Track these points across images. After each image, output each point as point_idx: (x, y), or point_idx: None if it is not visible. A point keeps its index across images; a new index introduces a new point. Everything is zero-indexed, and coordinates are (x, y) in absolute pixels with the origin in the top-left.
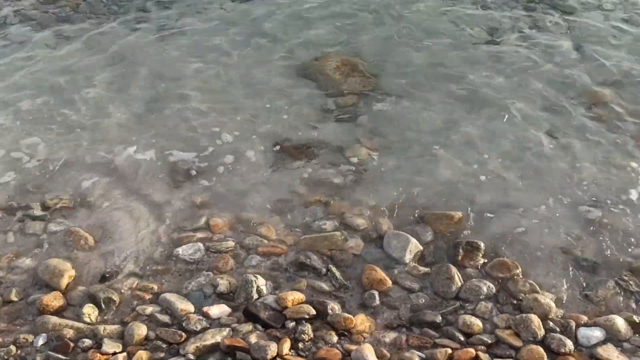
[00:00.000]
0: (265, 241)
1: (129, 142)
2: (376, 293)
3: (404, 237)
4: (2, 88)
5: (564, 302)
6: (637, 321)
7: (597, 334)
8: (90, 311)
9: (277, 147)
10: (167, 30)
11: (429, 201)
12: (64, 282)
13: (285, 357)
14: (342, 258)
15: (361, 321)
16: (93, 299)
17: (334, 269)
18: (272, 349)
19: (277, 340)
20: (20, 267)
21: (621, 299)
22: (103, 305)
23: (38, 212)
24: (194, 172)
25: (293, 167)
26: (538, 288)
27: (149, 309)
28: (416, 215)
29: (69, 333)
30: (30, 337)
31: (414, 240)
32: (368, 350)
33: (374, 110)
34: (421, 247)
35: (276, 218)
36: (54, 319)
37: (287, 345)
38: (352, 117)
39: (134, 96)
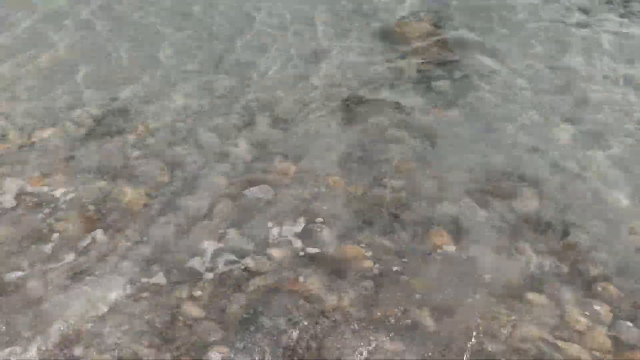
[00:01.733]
0: (324, 189)
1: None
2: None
3: None
4: None
5: None
6: None
7: None
8: None
9: (350, 103)
10: None
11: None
12: None
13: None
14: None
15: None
16: None
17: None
18: (334, 300)
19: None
20: None
21: None
22: None
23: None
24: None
25: (364, 124)
26: None
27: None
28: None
29: None
30: None
31: None
32: (423, 314)
33: (455, 77)
34: None
35: (344, 168)
36: None
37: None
38: (430, 82)
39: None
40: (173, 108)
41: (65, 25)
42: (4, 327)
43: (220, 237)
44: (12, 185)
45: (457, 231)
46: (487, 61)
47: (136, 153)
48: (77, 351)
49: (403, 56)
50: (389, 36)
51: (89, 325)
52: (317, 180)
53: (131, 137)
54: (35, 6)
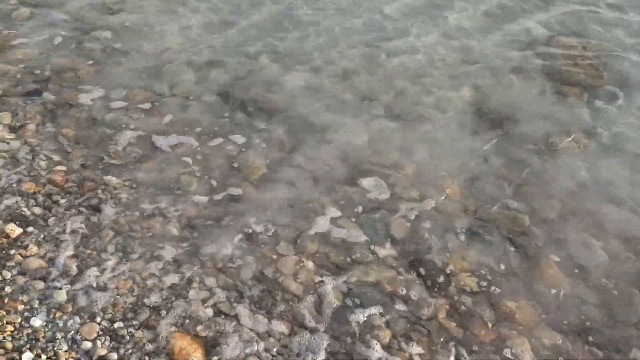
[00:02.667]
0: (447, 200)
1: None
2: (553, 291)
3: None
4: None
5: None
6: None
7: None
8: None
9: (481, 113)
10: None
11: None
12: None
13: (441, 320)
14: (523, 244)
15: (524, 311)
16: None
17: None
18: (431, 309)
19: (437, 302)
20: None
21: None
22: None
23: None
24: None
25: (492, 137)
26: None
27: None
28: None
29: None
30: None
31: None
32: (522, 346)
33: (596, 106)
34: None
35: (462, 181)
36: None
37: (444, 310)
38: (569, 106)
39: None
40: None
41: None
42: None
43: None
44: None
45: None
46: None
47: None
48: None
49: None
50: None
51: None
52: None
53: None
54: None
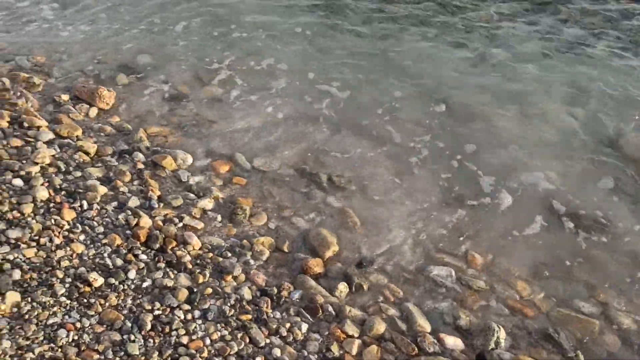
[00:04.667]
0: (517, 296)
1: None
2: None
3: None
4: None
5: None
6: None
7: None
8: (342, 289)
9: (563, 213)
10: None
11: None
12: (327, 254)
13: None
14: (593, 349)
15: None
16: (347, 279)
17: (581, 357)
18: None
19: None
20: (297, 225)
21: None
22: (353, 289)
23: (324, 182)
24: (470, 202)
25: (571, 235)
26: None
27: (391, 311)
28: None
29: (320, 299)
30: (290, 288)
31: None
32: None
33: None
34: None
35: (535, 277)
36: (312, 282)
37: None
38: None
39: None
40: None
41: None
42: None
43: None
44: None
45: None
46: None
47: None
48: None
49: None
50: None
51: None
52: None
53: None
54: None
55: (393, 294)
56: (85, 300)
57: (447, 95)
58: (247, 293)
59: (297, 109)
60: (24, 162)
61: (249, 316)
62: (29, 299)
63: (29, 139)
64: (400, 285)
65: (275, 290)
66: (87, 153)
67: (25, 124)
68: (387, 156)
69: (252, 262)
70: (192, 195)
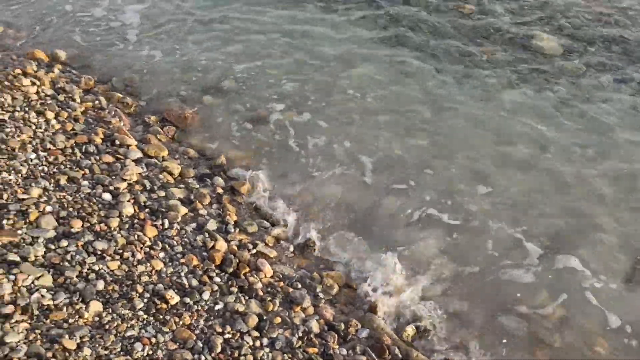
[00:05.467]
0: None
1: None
2: None
3: None
4: None
5: None
6: None
7: None
8: (410, 331)
9: None
10: None
11: None
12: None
13: None
14: None
15: None
16: (416, 322)
17: None
18: None
19: None
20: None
21: None
22: (419, 333)
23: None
24: None
25: None
26: None
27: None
28: None
29: (387, 340)
30: (357, 326)
31: None
32: None
33: None
34: None
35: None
36: (380, 322)
37: None
38: None
39: None
40: None
41: None
42: None
43: None
44: None
45: None
46: None
47: None
48: None
49: None
50: None
51: None
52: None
53: None
54: None
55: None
56: (161, 317)
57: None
58: (315, 326)
59: (378, 145)
60: (114, 177)
61: (316, 350)
62: (110, 310)
63: (119, 156)
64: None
65: (343, 326)
66: (171, 174)
67: (117, 142)
68: None
69: (321, 295)
70: (266, 223)
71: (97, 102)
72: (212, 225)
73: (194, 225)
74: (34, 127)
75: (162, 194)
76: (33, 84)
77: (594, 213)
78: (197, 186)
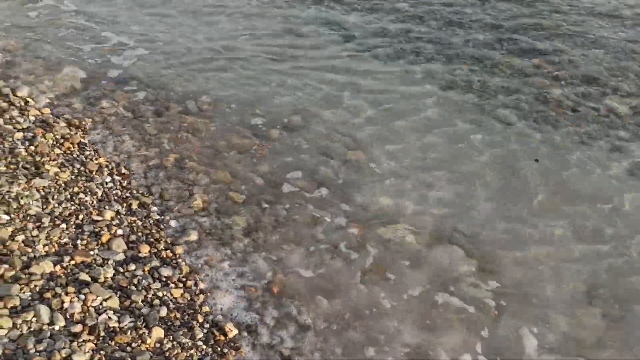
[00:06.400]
0: None
1: None
2: None
3: None
4: None
5: None
6: None
7: None
8: None
9: None
10: None
11: None
12: None
13: None
14: None
15: None
16: None
17: None
18: None
19: None
20: None
21: None
22: None
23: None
24: None
25: None
26: None
27: None
28: None
29: None
30: None
31: None
32: None
33: None
34: None
35: None
36: None
37: None
38: None
39: None
40: None
41: None
42: None
43: None
44: None
45: None
46: None
47: None
48: None
49: None
50: None
51: None
52: None
53: None
54: None
55: None
56: (219, 349)
57: None
58: None
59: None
60: (181, 204)
61: None
62: (171, 337)
63: (188, 183)
64: None
65: None
66: (235, 202)
67: (186, 168)
68: None
69: None
70: (327, 256)
71: (169, 125)
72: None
73: (240, 256)
74: (110, 150)
75: (227, 221)
76: (113, 105)
77: None
78: (260, 214)
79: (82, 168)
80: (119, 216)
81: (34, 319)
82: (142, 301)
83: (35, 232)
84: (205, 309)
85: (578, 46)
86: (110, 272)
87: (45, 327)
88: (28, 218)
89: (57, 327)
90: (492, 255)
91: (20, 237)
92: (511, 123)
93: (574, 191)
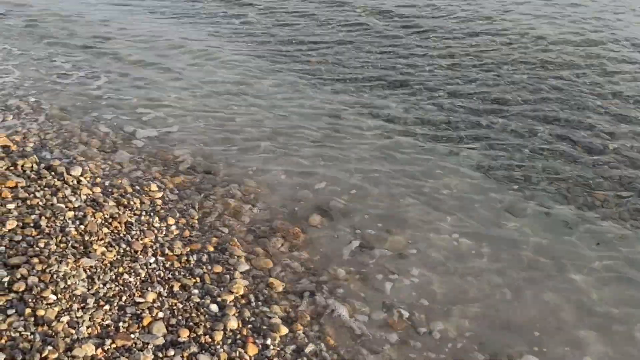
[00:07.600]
0: None
1: None
2: None
3: None
4: None
5: None
6: None
7: None
8: None
9: None
10: None
11: None
12: None
13: None
14: None
15: None
16: None
17: None
18: None
19: None
20: None
21: None
22: None
23: None
24: None
25: None
26: None
27: None
28: None
29: None
30: None
31: None
32: None
33: None
34: None
35: None
36: None
37: None
38: None
39: None
40: None
41: None
42: None
43: None
44: None
45: None
46: None
47: None
48: None
49: None
50: None
51: None
52: None
53: None
54: None
55: None
56: None
57: None
58: None
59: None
60: (222, 289)
61: None
62: None
63: (229, 267)
64: None
65: None
66: (274, 289)
67: (227, 252)
68: None
69: None
70: (364, 351)
71: (214, 208)
72: (310, 348)
73: (293, 347)
74: (156, 231)
75: (266, 309)
76: (160, 188)
77: None
78: (299, 303)
79: (127, 248)
80: (160, 298)
81: None
82: None
83: (79, 313)
84: None
85: None
86: (150, 357)
87: None
88: (74, 298)
89: None
90: None
91: (65, 318)
92: None
93: None
